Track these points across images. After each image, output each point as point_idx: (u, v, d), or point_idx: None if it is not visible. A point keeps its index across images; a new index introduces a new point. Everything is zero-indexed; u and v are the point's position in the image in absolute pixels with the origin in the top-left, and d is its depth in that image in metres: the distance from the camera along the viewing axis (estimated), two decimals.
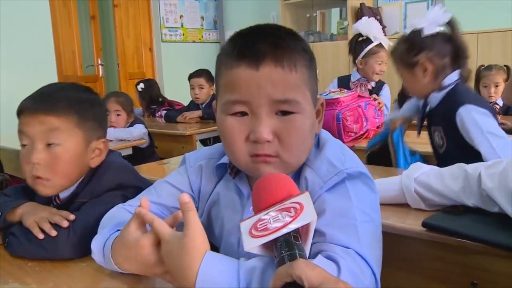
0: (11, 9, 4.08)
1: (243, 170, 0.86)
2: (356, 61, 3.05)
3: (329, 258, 0.68)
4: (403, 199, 1.14)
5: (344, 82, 3.13)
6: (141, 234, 0.78)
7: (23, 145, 1.07)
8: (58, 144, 1.05)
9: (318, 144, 0.88)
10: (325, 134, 0.90)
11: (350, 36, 4.64)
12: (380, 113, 2.56)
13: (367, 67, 3.01)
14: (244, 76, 0.78)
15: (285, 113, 0.79)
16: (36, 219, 1.01)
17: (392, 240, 1.03)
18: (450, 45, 1.71)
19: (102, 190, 1.10)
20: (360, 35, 2.99)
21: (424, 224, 1.03)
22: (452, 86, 1.72)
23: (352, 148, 0.91)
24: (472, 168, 1.05)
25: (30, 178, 1.07)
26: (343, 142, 2.40)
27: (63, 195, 1.13)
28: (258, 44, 0.78)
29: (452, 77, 1.72)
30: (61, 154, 1.06)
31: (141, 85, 4.35)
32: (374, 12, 4.67)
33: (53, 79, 4.47)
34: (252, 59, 0.77)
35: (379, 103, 2.67)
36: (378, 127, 2.52)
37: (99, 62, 5.40)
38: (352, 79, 3.11)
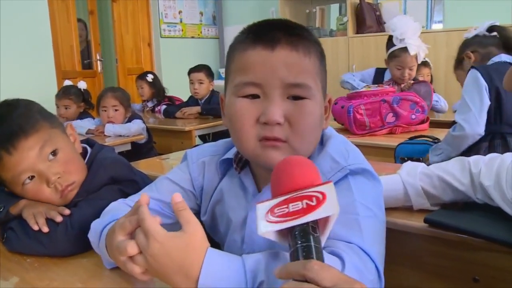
0: (8, 5, 4.05)
1: (250, 157, 0.84)
2: (385, 60, 2.90)
3: (333, 253, 0.68)
4: (401, 201, 1.09)
5: (378, 76, 3.04)
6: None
7: (30, 178, 1.03)
8: (56, 149, 1.05)
9: (321, 141, 0.87)
10: (329, 131, 0.89)
11: (349, 32, 4.65)
12: (420, 109, 2.42)
13: (390, 70, 2.86)
14: (258, 58, 0.77)
15: (296, 98, 0.78)
16: (35, 212, 1.00)
17: (393, 236, 1.02)
18: (491, 38, 2.04)
19: (97, 186, 1.10)
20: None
21: (426, 220, 1.02)
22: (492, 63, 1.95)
23: (358, 145, 0.89)
24: (473, 163, 1.03)
25: (57, 197, 1.05)
26: (355, 133, 2.42)
27: None
28: (273, 31, 0.79)
29: (498, 58, 1.95)
30: (66, 156, 1.06)
31: (151, 76, 4.35)
32: (374, 8, 4.65)
33: (52, 74, 4.44)
34: (267, 42, 0.77)
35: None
36: (419, 124, 2.44)
37: (98, 57, 5.37)
38: (386, 77, 2.98)
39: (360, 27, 4.62)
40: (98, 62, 5.35)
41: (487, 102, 1.84)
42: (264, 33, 0.79)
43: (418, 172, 1.07)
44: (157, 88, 4.38)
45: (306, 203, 0.59)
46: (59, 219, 0.98)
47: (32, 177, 1.03)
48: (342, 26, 4.85)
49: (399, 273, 1.10)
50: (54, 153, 1.04)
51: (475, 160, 1.03)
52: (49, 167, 1.03)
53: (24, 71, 4.11)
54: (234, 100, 0.81)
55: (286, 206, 0.60)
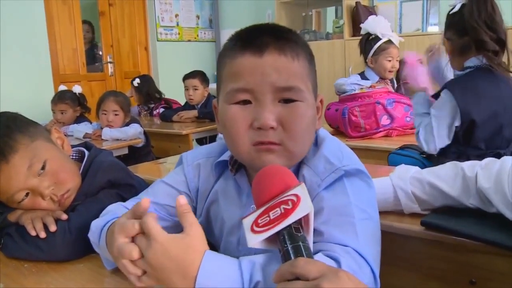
0: (3, 10, 4.04)
1: (245, 161, 0.84)
2: (367, 60, 2.99)
3: (329, 256, 0.68)
4: (391, 204, 1.09)
5: (365, 79, 3.05)
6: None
7: (25, 195, 1.03)
8: (44, 162, 1.04)
9: (316, 142, 0.87)
10: (323, 132, 0.90)
11: (346, 35, 4.66)
12: None
13: (378, 65, 2.95)
14: (248, 64, 0.79)
15: (288, 101, 0.79)
16: (33, 216, 1.01)
17: (390, 239, 1.03)
18: (464, 21, 1.66)
19: (94, 190, 1.10)
20: (369, 34, 2.95)
21: (422, 223, 1.02)
22: (467, 71, 1.70)
23: (355, 148, 0.89)
24: (468, 168, 1.03)
25: (55, 206, 1.05)
26: (350, 136, 2.40)
27: None
28: (261, 36, 0.80)
29: (472, 61, 1.70)
30: (54, 166, 1.05)
31: (137, 81, 4.34)
32: (370, 11, 4.66)
33: (48, 79, 4.43)
34: (256, 48, 0.79)
35: None
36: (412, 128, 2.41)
37: (108, 59, 5.27)
38: (370, 78, 3.01)
39: (356, 30, 4.62)
40: (109, 64, 5.30)
41: (453, 129, 1.71)
42: (252, 39, 0.80)
43: (409, 177, 1.07)
44: (143, 92, 4.36)
45: (284, 207, 0.63)
46: (53, 228, 0.98)
47: (27, 194, 1.03)
48: (338, 29, 4.86)
49: (395, 275, 1.10)
50: (42, 167, 1.03)
51: (469, 165, 1.03)
52: (40, 181, 1.03)
53: (20, 76, 4.10)
54: (226, 108, 0.82)
55: (267, 215, 0.65)
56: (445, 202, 1.05)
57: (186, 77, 3.88)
